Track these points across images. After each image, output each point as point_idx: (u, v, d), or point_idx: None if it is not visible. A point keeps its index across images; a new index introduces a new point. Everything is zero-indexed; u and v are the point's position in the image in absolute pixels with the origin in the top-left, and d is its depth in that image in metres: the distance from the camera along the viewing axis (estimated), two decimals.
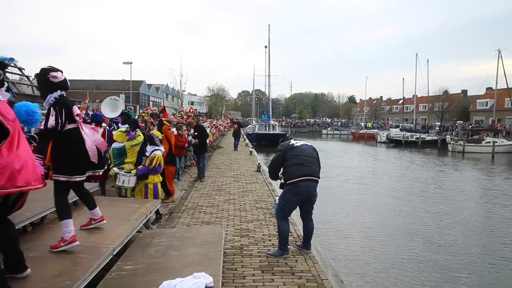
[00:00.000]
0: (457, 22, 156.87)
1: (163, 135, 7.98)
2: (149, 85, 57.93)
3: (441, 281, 6.98)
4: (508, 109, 46.19)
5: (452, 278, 7.13)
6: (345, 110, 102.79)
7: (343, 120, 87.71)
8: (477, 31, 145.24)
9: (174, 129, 9.78)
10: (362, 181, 18.12)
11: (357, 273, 7.14)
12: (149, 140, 6.75)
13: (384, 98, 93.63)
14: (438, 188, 16.88)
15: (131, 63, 36.46)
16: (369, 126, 65.93)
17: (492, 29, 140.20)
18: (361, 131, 59.60)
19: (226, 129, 44.00)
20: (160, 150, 6.68)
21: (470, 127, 48.62)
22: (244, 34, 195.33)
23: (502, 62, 42.46)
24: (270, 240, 5.65)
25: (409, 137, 45.12)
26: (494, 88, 45.08)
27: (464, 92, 68.99)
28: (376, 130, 56.92)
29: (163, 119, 9.93)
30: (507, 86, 42.21)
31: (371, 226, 10.28)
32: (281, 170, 5.11)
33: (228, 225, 6.49)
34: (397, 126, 57.41)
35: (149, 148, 6.64)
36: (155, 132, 7.42)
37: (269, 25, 46.92)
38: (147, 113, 11.86)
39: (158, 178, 6.66)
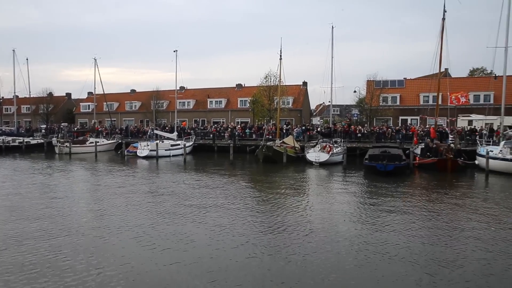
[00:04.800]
0: (58, 24, 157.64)
1: None
2: None
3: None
4: (106, 112, 51.95)
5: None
6: None
7: None
8: (77, 37, 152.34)
9: None
10: None
11: None
12: None
13: None
14: (46, 193, 16.88)
15: None
16: None
17: (90, 38, 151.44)
18: None
19: None
20: None
21: (75, 129, 51.16)
22: None
23: (99, 70, 47.29)
24: None
25: (11, 141, 41.52)
26: (93, 93, 49.47)
27: (69, 95, 71.41)
28: None
29: None
30: (103, 91, 47.68)
31: None
32: None
33: None
34: None
35: None
36: None
37: None
38: None
39: None
